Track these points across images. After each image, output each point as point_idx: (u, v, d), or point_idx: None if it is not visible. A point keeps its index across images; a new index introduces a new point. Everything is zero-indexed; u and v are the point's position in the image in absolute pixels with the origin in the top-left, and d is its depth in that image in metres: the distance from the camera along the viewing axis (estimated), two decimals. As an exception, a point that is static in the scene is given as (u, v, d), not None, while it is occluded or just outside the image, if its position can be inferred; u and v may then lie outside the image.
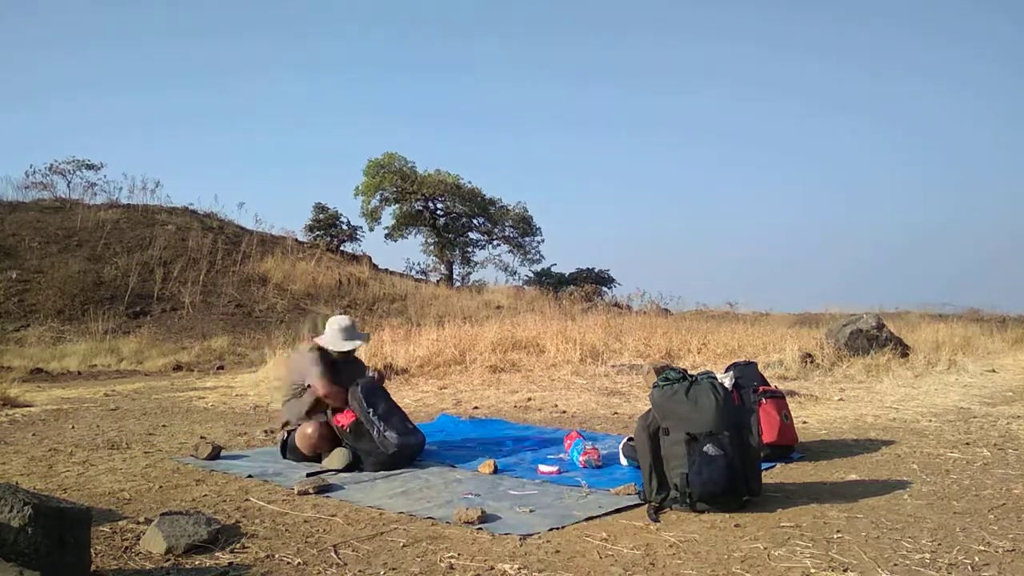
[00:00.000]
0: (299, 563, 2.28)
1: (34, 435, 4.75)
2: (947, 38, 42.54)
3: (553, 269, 24.97)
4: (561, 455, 3.96)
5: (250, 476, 3.51)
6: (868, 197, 42.06)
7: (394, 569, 2.23)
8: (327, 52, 47.30)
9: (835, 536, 2.50)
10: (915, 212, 39.26)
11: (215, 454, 3.91)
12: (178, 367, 10.75)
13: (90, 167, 19.75)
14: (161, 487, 3.32)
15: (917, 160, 42.00)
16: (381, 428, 3.66)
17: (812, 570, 2.18)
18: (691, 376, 3.06)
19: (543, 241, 25.39)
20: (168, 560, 2.30)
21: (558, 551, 2.39)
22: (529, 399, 6.44)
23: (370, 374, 4.04)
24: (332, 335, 4.03)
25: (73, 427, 5.09)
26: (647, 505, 2.88)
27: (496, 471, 3.59)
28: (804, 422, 4.94)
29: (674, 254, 37.46)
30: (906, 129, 43.45)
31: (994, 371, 7.48)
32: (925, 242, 36.27)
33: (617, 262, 27.05)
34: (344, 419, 3.70)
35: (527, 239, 25.24)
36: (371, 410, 3.70)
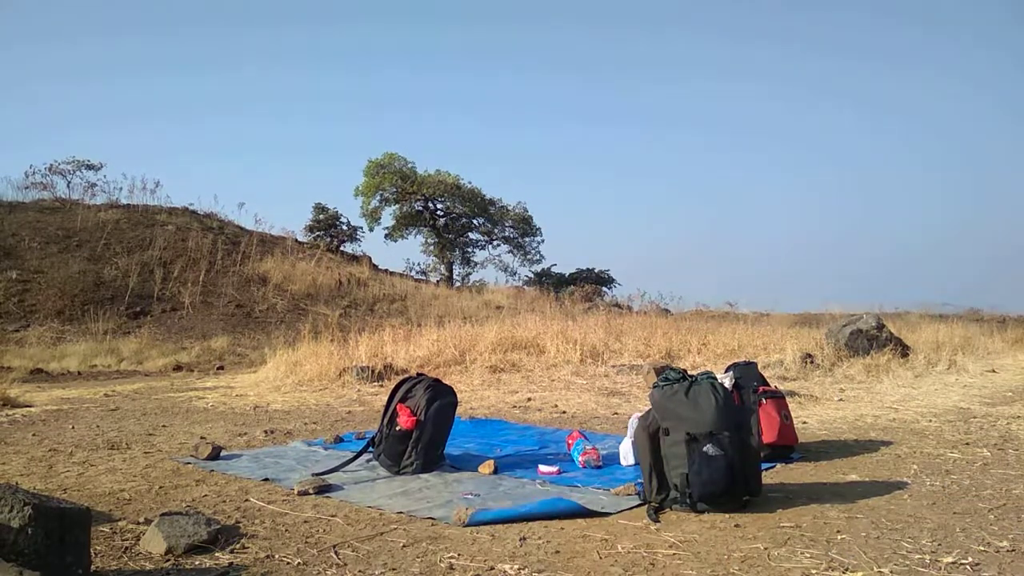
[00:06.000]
0: (299, 563, 2.28)
1: (34, 435, 4.75)
2: (955, 35, 42.38)
3: (553, 269, 25.07)
4: (561, 455, 3.96)
5: (250, 476, 3.51)
6: (874, 198, 42.07)
7: (394, 569, 2.23)
8: (327, 51, 47.30)
9: (835, 536, 2.50)
10: (923, 214, 39.22)
11: (215, 454, 3.91)
12: (178, 367, 10.76)
13: (90, 167, 19.80)
14: (161, 487, 3.32)
15: (921, 160, 41.96)
16: (417, 450, 3.61)
17: (812, 570, 2.18)
18: (691, 376, 3.06)
19: (543, 241, 25.48)
20: (168, 560, 2.30)
21: (558, 551, 2.39)
22: (529, 399, 6.44)
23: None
24: None
25: (73, 427, 5.09)
26: (647, 505, 2.88)
27: (496, 471, 3.59)
28: (804, 422, 4.94)
29: (674, 254, 37.47)
30: (920, 130, 43.35)
31: (994, 371, 7.48)
32: (934, 245, 36.24)
33: (617, 262, 27.08)
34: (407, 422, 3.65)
35: (527, 239, 25.30)
36: (419, 431, 3.63)
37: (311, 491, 3.17)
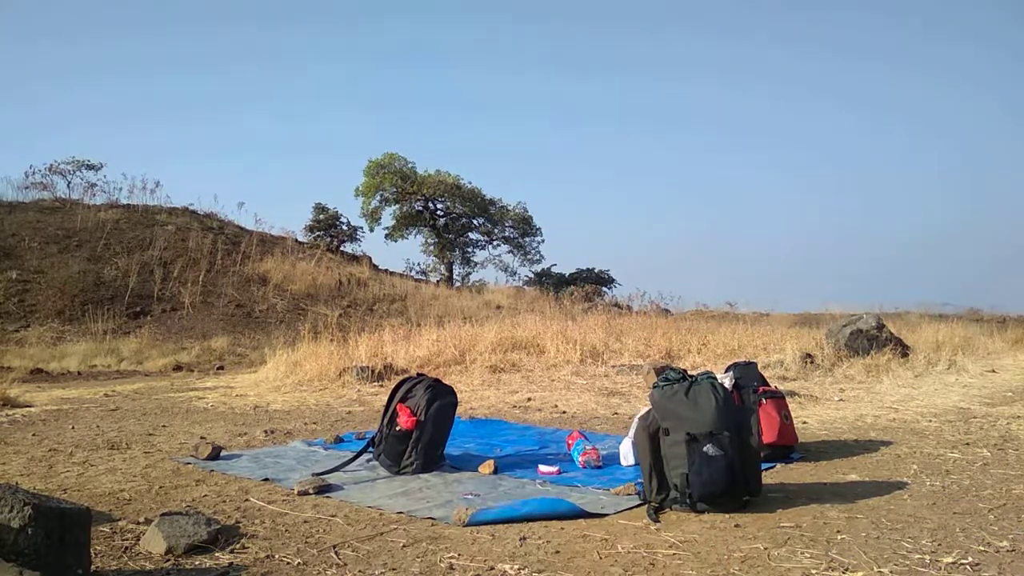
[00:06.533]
0: (299, 563, 2.28)
1: (34, 435, 4.75)
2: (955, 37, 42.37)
3: (553, 269, 25.06)
4: (561, 455, 3.96)
5: (250, 476, 3.51)
6: (874, 198, 42.05)
7: (394, 569, 2.23)
8: (327, 53, 47.29)
9: (835, 536, 2.50)
10: (923, 214, 39.21)
11: (215, 454, 3.91)
12: (178, 367, 10.76)
13: (90, 167, 19.80)
14: (161, 487, 3.32)
15: (921, 160, 41.91)
16: (417, 449, 3.61)
17: (812, 570, 2.18)
18: (691, 376, 3.06)
19: (543, 241, 25.48)
20: (168, 560, 2.30)
21: (558, 551, 2.39)
22: (529, 399, 6.44)
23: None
24: None
25: (73, 427, 5.09)
26: (647, 505, 2.88)
27: (496, 471, 3.59)
28: (804, 422, 4.94)
29: (674, 254, 37.48)
30: (920, 130, 43.29)
31: (994, 371, 7.47)
32: (934, 245, 36.23)
33: (617, 262, 27.08)
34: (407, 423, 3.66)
35: (527, 239, 25.29)
36: (419, 431, 3.63)
37: (311, 491, 3.18)
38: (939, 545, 2.40)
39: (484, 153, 44.15)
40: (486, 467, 3.63)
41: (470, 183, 24.25)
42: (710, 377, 3.07)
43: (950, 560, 2.25)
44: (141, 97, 43.40)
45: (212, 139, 44.63)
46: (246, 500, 3.08)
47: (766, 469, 3.49)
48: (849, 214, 41.75)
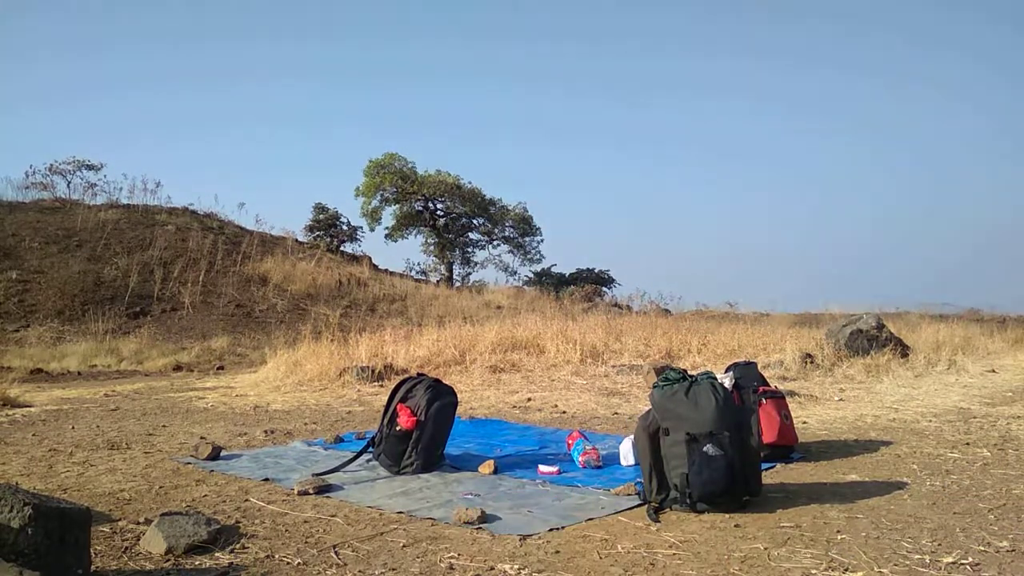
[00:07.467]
0: (299, 563, 2.28)
1: (34, 435, 4.75)
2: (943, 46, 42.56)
3: (553, 269, 25.07)
4: (561, 455, 3.96)
5: (250, 476, 3.51)
6: (875, 198, 42.17)
7: (394, 569, 2.23)
8: (327, 54, 47.29)
9: (835, 536, 2.50)
10: (925, 214, 39.28)
11: (215, 454, 3.91)
12: (178, 367, 10.76)
13: (90, 167, 19.85)
14: (161, 487, 3.32)
15: (922, 160, 41.97)
16: (417, 449, 3.62)
17: (812, 570, 2.18)
18: (691, 376, 3.06)
19: (543, 241, 25.48)
20: (168, 560, 2.30)
21: (558, 551, 2.39)
22: (529, 399, 6.44)
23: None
24: None
25: (73, 427, 5.09)
26: (647, 505, 2.88)
27: (496, 471, 3.59)
28: (804, 422, 4.94)
29: (674, 254, 37.49)
30: (920, 130, 43.34)
31: (994, 371, 7.47)
32: (937, 244, 36.31)
33: (617, 262, 27.09)
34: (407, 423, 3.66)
35: (527, 239, 25.29)
36: (420, 431, 3.63)
37: (311, 491, 3.18)
38: (939, 545, 2.40)
39: (483, 153, 44.22)
40: (486, 467, 3.63)
41: (470, 183, 24.29)
42: (710, 377, 3.07)
43: (950, 560, 2.25)
44: (144, 108, 43.42)
45: (214, 142, 44.63)
46: (246, 500, 3.08)
47: (766, 469, 3.49)
48: (851, 214, 41.85)
